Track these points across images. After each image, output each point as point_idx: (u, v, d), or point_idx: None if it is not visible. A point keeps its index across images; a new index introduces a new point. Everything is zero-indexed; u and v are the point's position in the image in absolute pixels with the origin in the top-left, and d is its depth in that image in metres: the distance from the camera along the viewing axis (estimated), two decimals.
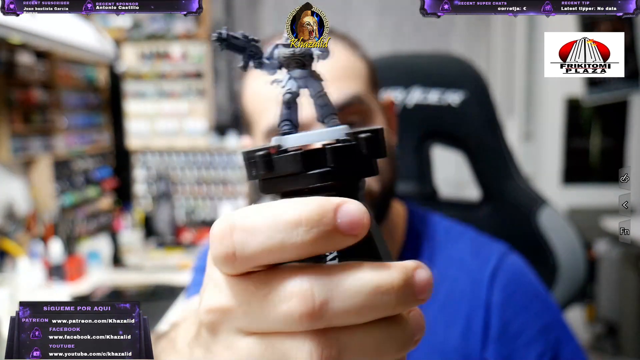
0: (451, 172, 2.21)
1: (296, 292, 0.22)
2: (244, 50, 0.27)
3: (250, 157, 0.26)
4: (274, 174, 0.25)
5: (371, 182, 0.61)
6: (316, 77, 0.27)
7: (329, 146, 0.25)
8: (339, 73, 0.61)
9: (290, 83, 0.27)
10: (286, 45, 0.27)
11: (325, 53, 0.27)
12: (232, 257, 0.23)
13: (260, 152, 0.25)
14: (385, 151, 0.26)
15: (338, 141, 0.25)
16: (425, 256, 0.70)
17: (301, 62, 0.27)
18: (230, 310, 0.24)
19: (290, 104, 0.27)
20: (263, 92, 0.63)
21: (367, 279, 0.23)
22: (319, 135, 0.26)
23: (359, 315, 0.22)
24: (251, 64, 0.27)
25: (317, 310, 0.22)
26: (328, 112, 0.27)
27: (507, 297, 0.66)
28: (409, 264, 0.23)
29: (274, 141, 0.26)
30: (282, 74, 0.27)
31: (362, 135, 0.25)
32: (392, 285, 0.23)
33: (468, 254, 0.70)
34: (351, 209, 0.22)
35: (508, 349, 0.65)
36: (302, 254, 0.23)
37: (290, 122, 0.27)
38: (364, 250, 0.24)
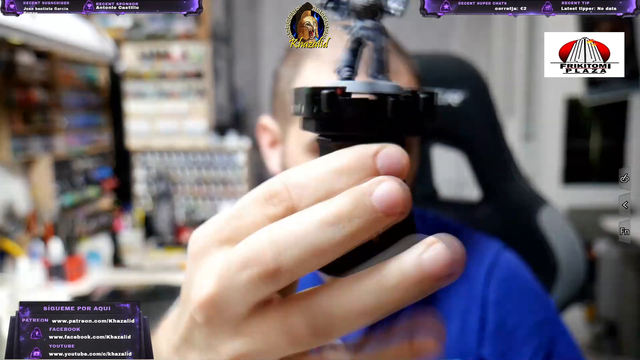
0: (451, 172, 2.21)
1: (253, 258, 0.23)
2: None
3: (314, 94, 0.26)
4: (337, 114, 0.26)
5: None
6: (384, 32, 0.28)
7: (392, 98, 0.26)
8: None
9: (360, 31, 0.27)
10: None
11: (400, 10, 0.27)
12: (291, 210, 0.24)
13: (327, 91, 0.25)
14: (436, 110, 0.27)
15: (399, 95, 0.26)
16: None
17: (373, 14, 0.27)
18: (219, 295, 0.24)
19: (356, 51, 0.28)
20: (315, 78, 0.62)
21: (310, 218, 0.23)
22: (380, 86, 0.26)
23: (315, 256, 0.23)
24: (330, 3, 0.27)
25: (272, 270, 0.23)
26: (383, 68, 0.27)
27: (503, 293, 0.67)
28: (365, 185, 0.23)
29: (337, 83, 0.27)
30: (352, 21, 0.28)
31: (422, 95, 0.26)
32: (340, 213, 0.23)
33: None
34: (390, 152, 0.24)
35: (504, 346, 0.65)
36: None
37: (352, 68, 0.27)
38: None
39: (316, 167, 0.24)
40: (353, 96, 0.26)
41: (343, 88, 0.26)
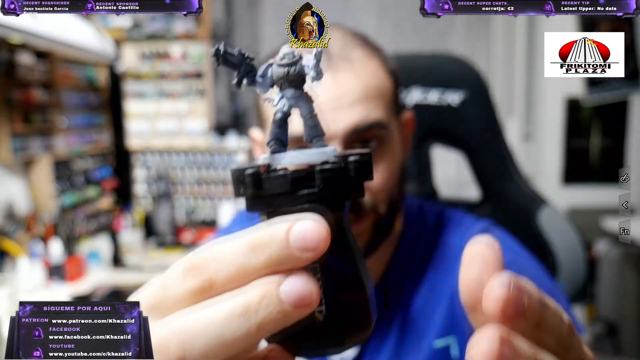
0: (451, 172, 2.22)
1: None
2: (239, 67, 0.28)
3: (239, 175, 0.26)
4: (262, 192, 0.26)
5: (379, 202, 0.62)
6: (307, 98, 0.27)
7: (319, 168, 0.25)
8: (369, 93, 0.61)
9: (282, 102, 0.27)
10: (281, 65, 0.27)
11: (319, 76, 0.27)
12: (210, 286, 0.25)
13: (250, 171, 0.26)
14: (371, 173, 0.26)
15: (327, 163, 0.26)
16: (421, 243, 0.72)
17: (294, 83, 0.27)
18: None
19: (281, 123, 0.27)
20: None
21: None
22: (308, 156, 0.26)
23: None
24: (245, 81, 0.28)
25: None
26: (316, 133, 0.27)
27: None
28: (274, 277, 0.24)
29: (263, 160, 0.27)
30: (275, 92, 0.28)
31: (351, 158, 0.25)
32: (248, 305, 0.23)
33: (454, 235, 0.72)
34: (304, 227, 0.23)
35: None
36: (267, 274, 0.24)
37: (280, 141, 0.27)
38: (338, 248, 0.25)
39: (234, 241, 0.24)
40: (279, 171, 0.26)
41: (267, 166, 0.26)
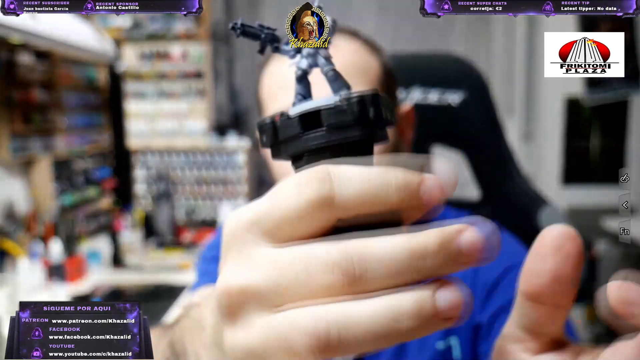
0: None
1: (337, 264, 0.23)
2: (260, 36, 0.29)
3: (260, 126, 0.28)
4: (279, 139, 0.27)
5: None
6: (324, 55, 0.29)
7: (323, 109, 0.26)
8: (349, 69, 0.61)
9: (301, 61, 0.29)
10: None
11: (331, 33, 0.28)
12: (330, 201, 0.23)
13: (267, 120, 0.27)
14: (382, 115, 0.26)
15: (331, 103, 0.26)
16: None
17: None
18: (258, 287, 0.24)
19: (302, 80, 0.29)
20: (276, 78, 0.64)
21: (401, 245, 0.23)
22: (320, 102, 0.27)
23: (395, 279, 0.23)
24: (269, 48, 0.29)
25: (357, 279, 0.23)
26: (340, 85, 0.28)
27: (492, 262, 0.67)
28: (449, 228, 0.23)
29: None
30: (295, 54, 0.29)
31: (354, 98, 0.26)
32: (427, 250, 0.23)
33: None
34: (433, 187, 0.24)
35: (492, 307, 0.65)
36: (390, 208, 0.24)
37: (302, 95, 0.28)
38: None
39: (362, 169, 0.24)
40: (290, 117, 0.27)
41: (281, 114, 0.27)
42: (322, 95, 0.28)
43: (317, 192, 0.23)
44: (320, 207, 0.23)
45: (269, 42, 0.29)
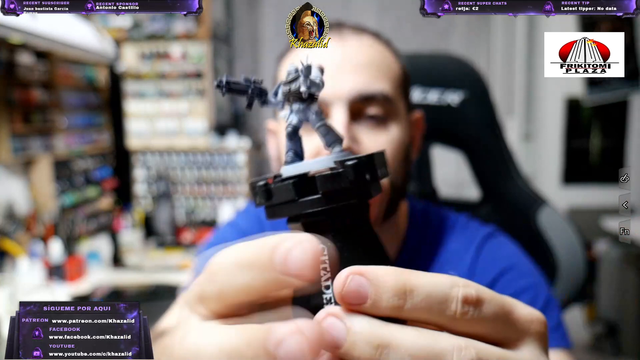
0: (451, 172, 2.21)
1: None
2: (246, 91, 0.29)
3: (253, 187, 0.28)
4: (273, 201, 0.27)
5: (383, 183, 0.61)
6: (314, 110, 0.28)
7: (318, 174, 0.26)
8: (376, 65, 0.61)
9: (291, 117, 0.29)
10: (285, 84, 0.28)
11: (310, 88, 0.28)
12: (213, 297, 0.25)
13: (260, 182, 0.27)
14: (377, 176, 0.26)
15: (326, 170, 0.26)
16: (425, 246, 0.71)
17: (299, 98, 0.28)
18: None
19: (292, 136, 0.29)
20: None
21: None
22: (313, 164, 0.27)
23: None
24: (257, 102, 0.29)
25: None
26: (332, 139, 0.28)
27: (490, 263, 0.68)
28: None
29: (277, 172, 0.28)
30: (286, 109, 0.29)
31: (350, 162, 0.26)
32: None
33: (456, 240, 0.72)
34: (288, 249, 0.23)
35: None
36: (261, 293, 0.24)
37: (295, 151, 0.28)
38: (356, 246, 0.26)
39: (229, 254, 0.25)
40: (284, 181, 0.26)
41: (274, 176, 0.27)
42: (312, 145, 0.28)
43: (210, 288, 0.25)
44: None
45: (257, 96, 0.29)
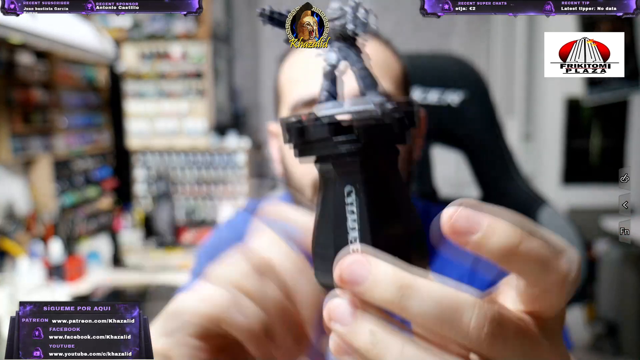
0: (451, 172, 2.21)
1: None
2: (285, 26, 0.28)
3: (286, 124, 0.27)
4: (305, 139, 0.27)
5: None
6: (356, 50, 0.28)
7: (355, 115, 0.26)
8: (376, 67, 0.61)
9: (330, 55, 0.28)
10: (329, 20, 0.28)
11: (358, 28, 0.27)
12: None
13: (294, 119, 0.27)
14: (414, 122, 0.26)
15: (365, 111, 0.26)
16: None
17: (342, 37, 0.28)
18: None
19: (330, 76, 0.28)
20: (298, 66, 0.64)
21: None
22: (349, 104, 0.27)
23: None
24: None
25: None
26: (369, 84, 0.27)
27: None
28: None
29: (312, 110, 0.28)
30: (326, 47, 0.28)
31: (389, 105, 0.26)
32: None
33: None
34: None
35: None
36: None
37: (329, 93, 0.28)
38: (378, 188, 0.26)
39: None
40: (320, 119, 0.26)
41: (309, 114, 0.27)
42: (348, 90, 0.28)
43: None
44: None
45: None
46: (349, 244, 0.26)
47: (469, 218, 0.23)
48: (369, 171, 0.26)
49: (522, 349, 0.24)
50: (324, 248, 0.27)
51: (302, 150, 0.27)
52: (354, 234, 0.26)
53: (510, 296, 0.26)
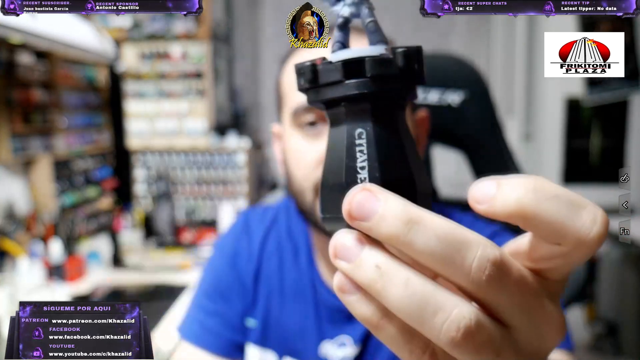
0: (451, 172, 2.21)
1: None
2: None
3: (299, 68, 0.28)
4: (318, 83, 0.27)
5: None
6: (368, 5, 0.29)
7: (368, 57, 0.26)
8: None
9: (344, 9, 0.29)
10: None
11: None
12: None
13: (307, 63, 0.27)
14: (423, 71, 0.27)
15: (376, 55, 0.27)
16: None
17: None
18: None
19: (343, 28, 0.29)
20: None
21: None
22: (362, 50, 0.27)
23: None
24: None
25: None
26: (378, 38, 0.28)
27: None
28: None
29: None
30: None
31: (400, 49, 0.26)
32: None
33: None
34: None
35: None
36: None
37: (341, 42, 0.29)
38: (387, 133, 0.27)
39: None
40: (333, 62, 0.27)
41: (323, 58, 0.27)
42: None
43: None
44: None
45: None
46: (358, 184, 0.26)
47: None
48: (378, 115, 0.26)
49: (521, 300, 0.24)
50: (332, 190, 0.27)
51: (313, 93, 0.28)
52: (363, 173, 0.26)
53: (522, 251, 0.26)
